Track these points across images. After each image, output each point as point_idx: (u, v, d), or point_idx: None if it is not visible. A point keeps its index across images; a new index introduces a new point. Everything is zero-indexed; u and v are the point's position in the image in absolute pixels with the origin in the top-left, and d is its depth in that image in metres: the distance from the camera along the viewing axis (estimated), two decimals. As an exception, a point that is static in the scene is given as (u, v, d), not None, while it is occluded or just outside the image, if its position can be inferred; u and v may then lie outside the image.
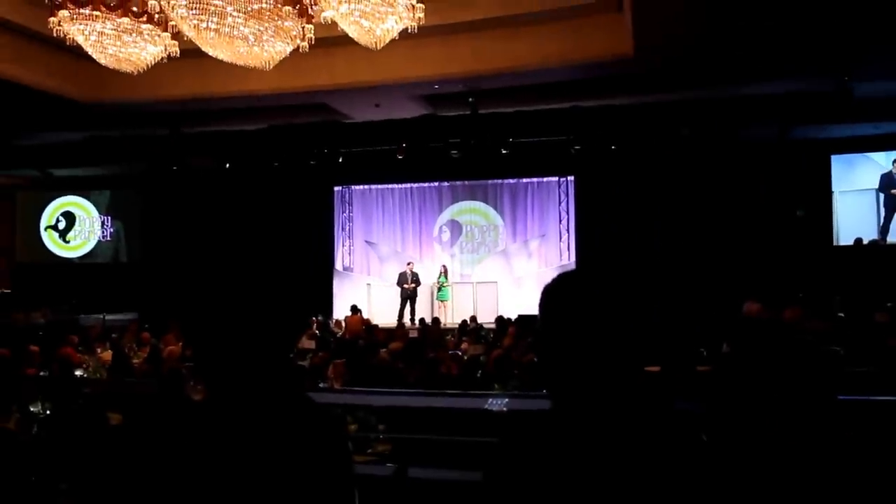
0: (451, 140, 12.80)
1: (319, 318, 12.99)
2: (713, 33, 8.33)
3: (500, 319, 11.47)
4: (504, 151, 12.82)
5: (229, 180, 15.25)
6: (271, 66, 6.33)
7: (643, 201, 14.54)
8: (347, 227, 16.87)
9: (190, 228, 15.95)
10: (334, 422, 1.50)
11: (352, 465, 1.49)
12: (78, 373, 7.27)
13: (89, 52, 6.41)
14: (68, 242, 17.44)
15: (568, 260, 15.36)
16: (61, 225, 17.47)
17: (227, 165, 14.34)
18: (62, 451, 4.04)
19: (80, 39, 6.21)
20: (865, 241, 13.24)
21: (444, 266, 15.26)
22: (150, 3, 5.90)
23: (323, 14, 5.82)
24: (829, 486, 1.36)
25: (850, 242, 13.27)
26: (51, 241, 17.46)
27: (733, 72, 9.98)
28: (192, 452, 1.41)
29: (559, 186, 15.76)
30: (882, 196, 13.46)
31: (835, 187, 13.67)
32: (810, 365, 1.45)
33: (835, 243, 13.61)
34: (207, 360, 1.46)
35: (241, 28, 5.70)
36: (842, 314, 8.99)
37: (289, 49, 6.17)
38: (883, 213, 13.43)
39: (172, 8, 5.57)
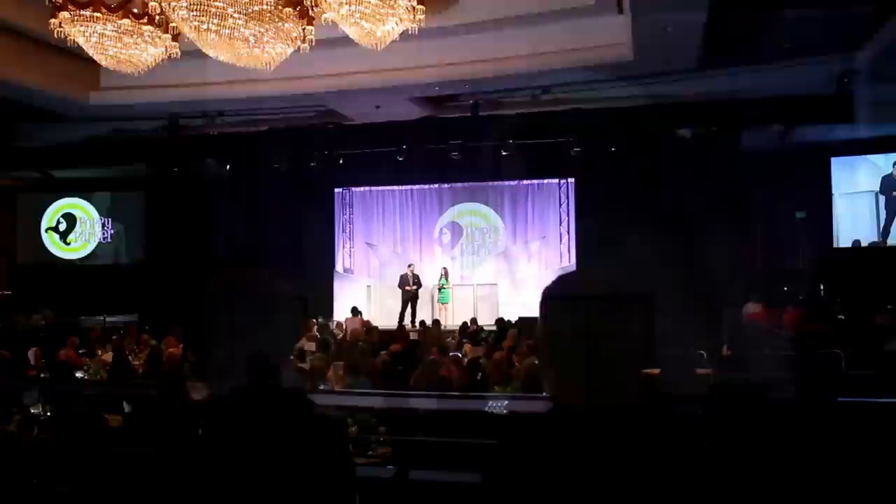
0: (452, 142, 12.80)
1: (320, 320, 12.96)
2: (713, 35, 8.33)
3: (500, 321, 11.47)
4: (504, 153, 12.82)
5: (230, 182, 15.25)
6: (272, 68, 6.33)
7: (643, 203, 14.50)
8: (348, 229, 16.86)
9: (191, 230, 15.93)
10: (335, 424, 1.50)
11: (353, 468, 1.49)
12: (78, 375, 7.29)
13: (90, 54, 6.41)
14: (69, 244, 17.41)
15: (568, 262, 15.35)
16: (62, 227, 17.44)
17: (228, 167, 14.33)
18: (63, 452, 4.04)
19: (80, 41, 6.20)
20: (864, 244, 13.23)
21: (444, 268, 15.20)
22: (150, 4, 5.90)
23: (323, 16, 5.83)
24: (830, 488, 1.36)
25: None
26: (51, 242, 17.43)
27: (733, 74, 9.98)
28: (193, 455, 1.41)
29: (559, 188, 15.74)
30: (883, 199, 13.44)
31: (835, 190, 13.65)
32: (810, 368, 1.45)
33: (835, 246, 13.59)
34: (208, 363, 1.47)
35: (242, 30, 5.70)
36: (842, 316, 9.00)
37: (289, 51, 6.18)
38: (884, 216, 13.42)
39: (173, 10, 5.57)
